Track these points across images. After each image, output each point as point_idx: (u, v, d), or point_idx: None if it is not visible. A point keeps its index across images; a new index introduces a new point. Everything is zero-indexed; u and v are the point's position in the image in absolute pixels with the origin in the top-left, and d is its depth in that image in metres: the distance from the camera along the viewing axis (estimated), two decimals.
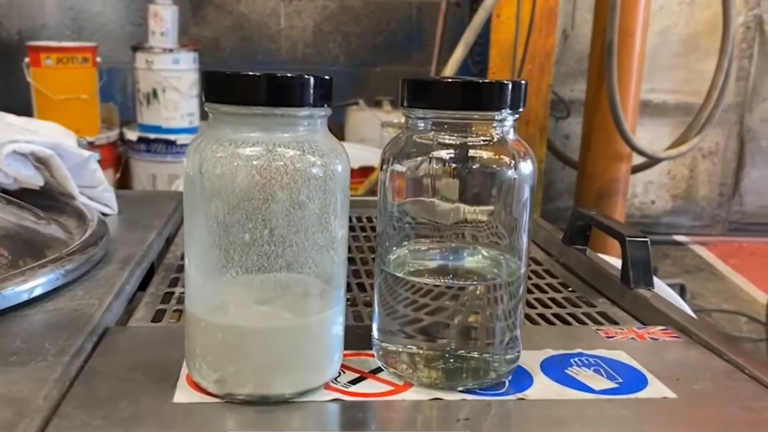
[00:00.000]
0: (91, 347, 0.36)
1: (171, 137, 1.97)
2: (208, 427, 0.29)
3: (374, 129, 1.97)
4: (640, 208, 2.44)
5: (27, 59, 1.94)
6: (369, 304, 0.46)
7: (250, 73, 0.30)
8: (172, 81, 1.96)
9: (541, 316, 0.46)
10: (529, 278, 0.53)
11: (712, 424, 0.31)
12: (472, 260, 0.35)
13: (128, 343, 0.38)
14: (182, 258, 0.56)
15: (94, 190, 0.61)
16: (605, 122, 1.88)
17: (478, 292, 0.33)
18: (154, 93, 1.97)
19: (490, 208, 0.34)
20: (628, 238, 0.48)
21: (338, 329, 0.33)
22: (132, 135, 2.00)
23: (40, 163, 0.58)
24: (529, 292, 0.50)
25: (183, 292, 0.47)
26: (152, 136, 1.98)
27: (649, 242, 0.48)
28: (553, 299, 0.49)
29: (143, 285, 0.50)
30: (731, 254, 2.25)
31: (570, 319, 0.45)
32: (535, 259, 0.58)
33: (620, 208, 2.03)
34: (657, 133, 2.25)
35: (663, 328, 0.41)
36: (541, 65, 1.94)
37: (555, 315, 0.46)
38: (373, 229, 0.67)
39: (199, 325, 0.31)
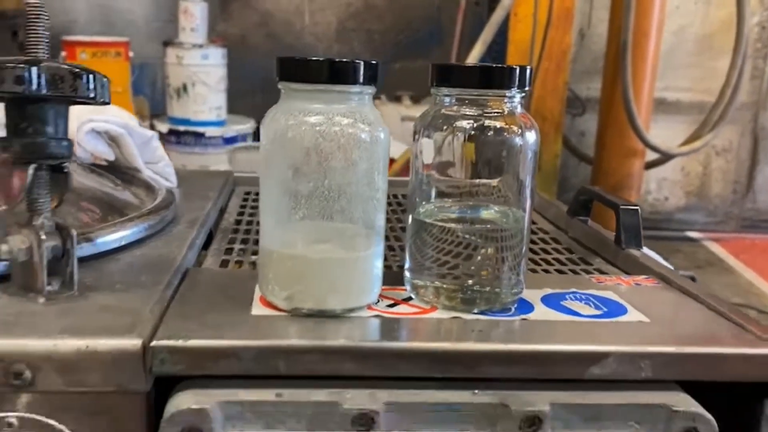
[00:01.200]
0: (178, 281, 0.45)
1: (200, 129, 2.07)
2: (279, 332, 0.38)
3: (395, 123, 2.05)
4: (654, 205, 2.50)
5: (63, 53, 2.06)
6: (397, 263, 0.55)
7: (315, 58, 0.39)
8: (202, 76, 2.06)
9: (545, 270, 0.55)
10: (537, 244, 0.62)
11: (675, 338, 0.39)
12: (485, 213, 0.44)
13: (207, 278, 0.47)
14: (236, 223, 0.65)
15: (157, 165, 0.70)
16: (619, 119, 1.95)
17: (490, 237, 0.42)
18: (184, 87, 2.08)
19: (499, 176, 0.42)
20: (621, 207, 0.56)
21: (378, 264, 0.42)
22: (162, 127, 2.10)
23: (112, 140, 0.68)
24: (535, 254, 0.59)
25: (242, 249, 0.56)
26: (182, 128, 2.09)
27: (639, 210, 0.56)
28: (557, 259, 0.58)
29: (205, 245, 0.59)
30: (743, 250, 2.31)
31: (569, 273, 0.54)
32: (543, 229, 0.67)
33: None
34: (672, 131, 2.31)
35: (646, 276, 0.50)
36: (557, 63, 2.01)
37: (556, 270, 0.55)
38: (396, 204, 0.76)
39: (272, 256, 0.41)
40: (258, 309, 0.41)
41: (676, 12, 2.31)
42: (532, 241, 0.62)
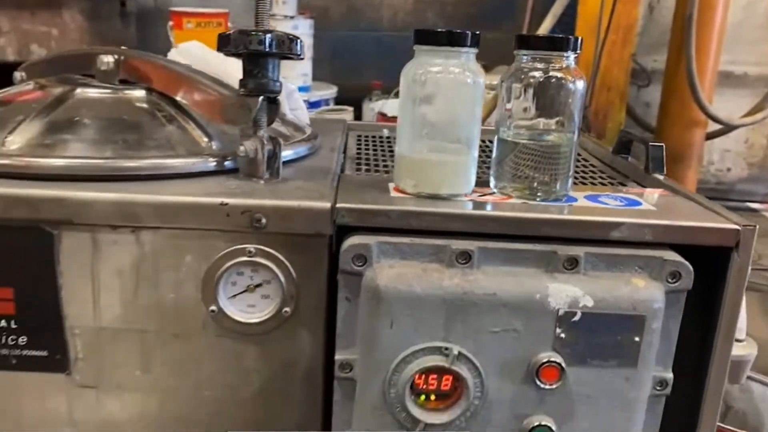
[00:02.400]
0: (336, 180, 0.69)
1: None
2: (410, 203, 0.62)
3: None
4: (716, 176, 2.62)
5: (171, 23, 2.35)
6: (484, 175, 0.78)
7: (439, 29, 0.61)
8: None
9: (591, 185, 0.76)
10: (586, 172, 0.83)
11: (670, 217, 0.61)
12: (547, 136, 0.66)
13: (354, 179, 0.71)
14: (357, 153, 0.88)
15: (296, 111, 0.95)
16: (682, 90, 2.10)
17: (549, 151, 0.64)
18: None
19: (557, 110, 0.64)
20: (650, 144, 0.77)
21: (473, 169, 0.65)
22: None
23: None
24: (584, 177, 0.80)
25: (367, 169, 0.80)
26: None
27: (664, 147, 0.77)
28: (600, 180, 0.79)
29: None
30: None
31: (607, 186, 0.75)
32: (593, 164, 0.88)
33: (693, 172, 2.24)
34: (737, 104, 2.42)
35: (662, 189, 0.71)
36: (624, 36, 2.16)
37: (600, 184, 0.76)
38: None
39: (405, 159, 0.64)
40: (393, 193, 0.64)
41: None
42: (583, 169, 0.83)
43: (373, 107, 2.21)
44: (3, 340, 0.64)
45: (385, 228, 0.61)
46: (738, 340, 1.06)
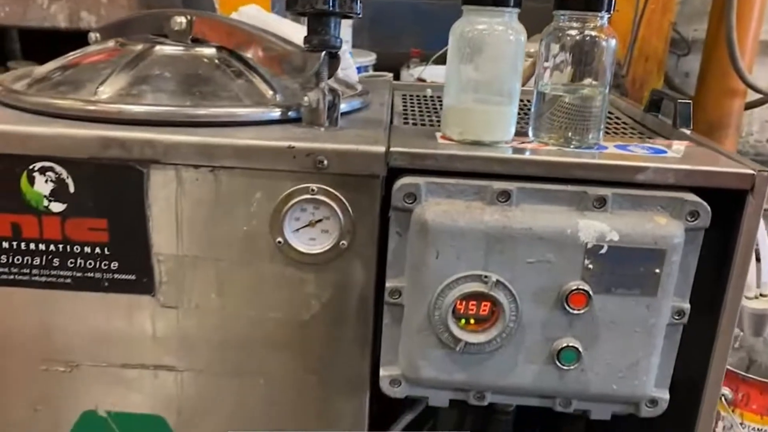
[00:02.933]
0: (388, 129, 0.78)
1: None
2: (455, 148, 0.69)
3: None
4: (755, 146, 2.63)
5: None
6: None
7: None
8: None
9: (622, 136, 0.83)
10: (615, 129, 0.90)
11: (691, 162, 0.68)
12: (582, 91, 0.73)
13: (403, 129, 0.79)
14: (403, 109, 0.96)
15: (347, 70, 1.03)
16: (722, 58, 2.12)
17: (583, 104, 0.71)
18: None
19: (591, 66, 0.71)
20: (678, 101, 0.83)
21: (513, 119, 0.72)
22: None
23: None
24: (616, 132, 0.87)
25: (414, 123, 0.88)
26: None
27: (691, 103, 0.83)
28: (631, 134, 0.86)
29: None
30: None
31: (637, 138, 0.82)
32: (625, 121, 0.94)
33: (731, 141, 2.26)
34: None
35: (688, 142, 0.77)
36: (663, 4, 2.18)
37: (630, 137, 0.83)
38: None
39: (452, 109, 0.72)
40: (440, 141, 0.72)
41: None
42: (615, 125, 0.90)
43: (412, 73, 2.27)
44: (97, 265, 0.74)
45: (432, 170, 0.69)
46: (762, 295, 1.13)
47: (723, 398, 1.15)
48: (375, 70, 2.60)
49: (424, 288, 0.69)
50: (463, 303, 0.69)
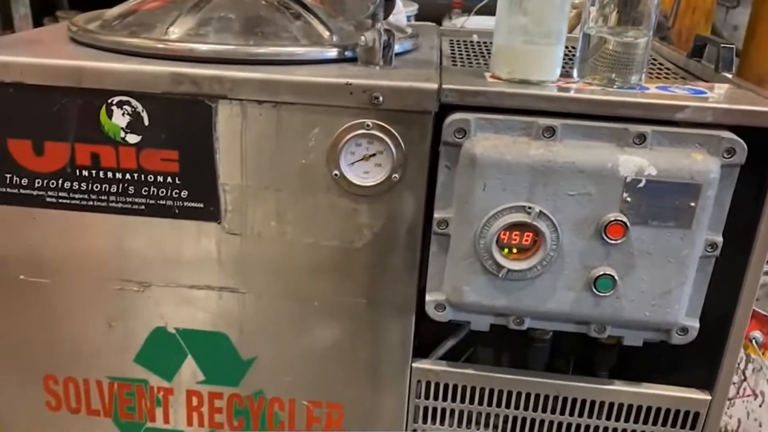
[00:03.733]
0: (439, 69, 0.82)
1: None
2: (503, 86, 0.74)
3: None
4: None
5: None
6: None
7: None
8: None
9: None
10: (658, 73, 0.93)
11: (730, 102, 0.71)
12: (627, 34, 0.76)
13: (455, 69, 0.84)
14: (451, 55, 1.00)
15: (397, 15, 1.07)
16: None
17: (626, 46, 0.75)
18: None
19: (636, 12, 0.74)
20: (721, 45, 0.86)
21: (560, 59, 0.76)
22: None
23: None
24: (658, 76, 0.90)
25: (461, 65, 0.92)
26: None
27: (734, 48, 0.86)
28: (674, 79, 0.89)
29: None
30: None
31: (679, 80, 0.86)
32: (668, 67, 0.97)
33: None
34: None
35: (729, 85, 0.81)
36: None
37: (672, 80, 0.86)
38: None
39: (501, 49, 0.76)
40: (489, 79, 0.77)
41: None
42: (658, 70, 0.93)
43: (455, 23, 2.29)
44: (169, 193, 0.81)
45: (481, 107, 0.74)
46: None
47: (753, 341, 1.19)
48: (417, 20, 2.62)
49: (471, 218, 0.75)
50: (507, 233, 0.74)
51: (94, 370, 0.92)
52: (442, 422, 0.89)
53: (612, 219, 0.72)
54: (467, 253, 0.76)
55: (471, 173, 0.73)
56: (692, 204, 0.71)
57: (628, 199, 0.71)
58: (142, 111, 0.78)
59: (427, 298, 0.81)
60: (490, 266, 0.75)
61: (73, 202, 0.83)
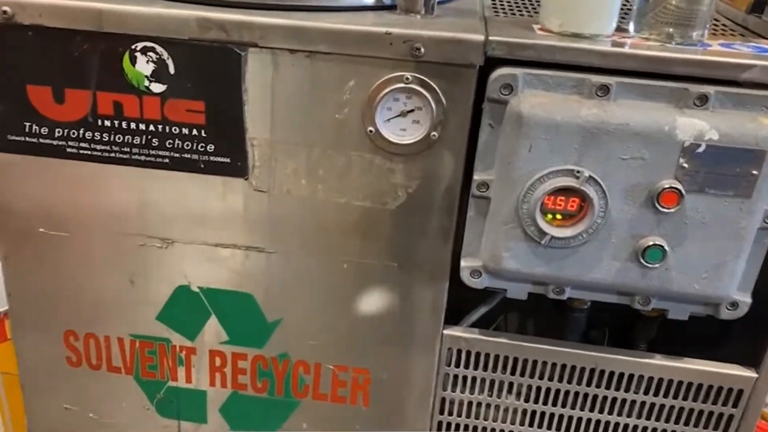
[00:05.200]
0: (484, 19, 0.78)
1: None
2: (554, 39, 0.70)
3: None
4: None
5: None
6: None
7: None
8: None
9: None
10: (714, 30, 0.88)
11: None
12: None
13: (500, 20, 0.79)
14: (492, 6, 0.95)
15: None
16: None
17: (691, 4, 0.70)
18: None
19: None
20: None
21: (616, 11, 0.71)
22: None
23: None
24: (723, 34, 0.85)
25: (504, 15, 0.87)
26: None
27: None
28: (732, 35, 0.84)
29: None
30: None
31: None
32: (727, 25, 0.92)
33: None
34: None
35: None
36: None
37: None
38: None
39: (549, 3, 0.72)
40: (538, 32, 0.72)
41: None
42: (714, 26, 0.88)
43: None
44: (194, 147, 0.78)
45: (529, 61, 0.69)
46: None
47: None
48: None
49: (514, 181, 0.71)
50: (552, 197, 0.71)
51: (116, 327, 0.91)
52: (471, 390, 0.88)
53: (666, 186, 0.68)
54: (508, 217, 0.73)
55: (516, 133, 0.70)
56: (754, 172, 0.67)
57: (685, 164, 0.67)
58: (168, 58, 0.74)
59: (462, 263, 0.78)
60: (532, 232, 0.72)
61: (95, 153, 0.80)
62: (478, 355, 0.85)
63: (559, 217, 0.72)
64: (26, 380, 0.97)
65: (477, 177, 0.74)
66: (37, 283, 0.89)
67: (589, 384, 0.85)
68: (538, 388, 0.86)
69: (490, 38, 0.69)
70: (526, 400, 0.87)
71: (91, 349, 0.92)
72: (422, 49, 0.70)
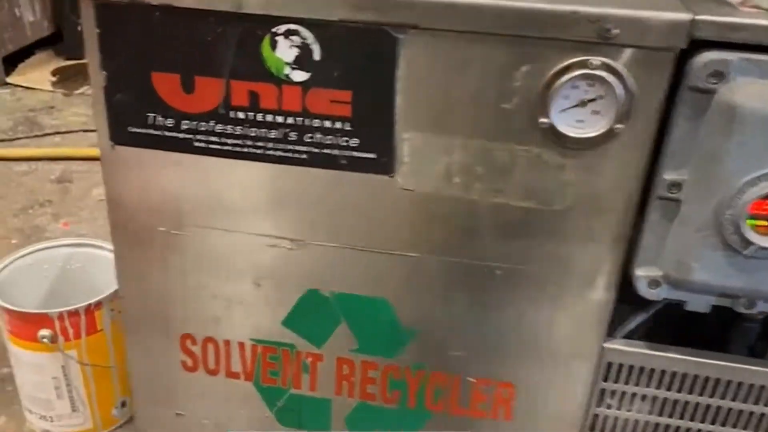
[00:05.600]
0: None
1: None
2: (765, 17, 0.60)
3: None
4: None
5: None
6: None
7: None
8: None
9: None
10: None
11: None
12: None
13: None
14: None
15: None
16: None
17: None
18: None
19: None
20: None
21: None
22: None
23: None
24: None
25: None
26: None
27: None
28: None
29: None
30: None
31: None
32: None
33: None
34: None
35: None
36: None
37: None
38: None
39: None
40: (741, 9, 0.62)
41: None
42: None
43: None
44: (337, 141, 0.70)
45: (741, 45, 0.59)
46: None
47: None
48: None
49: (717, 182, 0.62)
50: (760, 203, 0.61)
51: (237, 331, 0.84)
52: (630, 407, 0.80)
53: None
54: (704, 223, 0.64)
55: (726, 127, 0.60)
56: None
57: None
58: (313, 43, 0.66)
59: (637, 272, 0.70)
60: (734, 241, 0.63)
61: (225, 147, 0.73)
62: (641, 369, 0.77)
63: (765, 223, 0.62)
64: (138, 384, 0.92)
65: (667, 176, 0.65)
66: (154, 284, 0.83)
67: (756, 402, 0.77)
68: (707, 407, 0.78)
69: (698, 17, 0.59)
70: (692, 419, 0.79)
71: (209, 353, 0.87)
72: (613, 30, 0.61)
